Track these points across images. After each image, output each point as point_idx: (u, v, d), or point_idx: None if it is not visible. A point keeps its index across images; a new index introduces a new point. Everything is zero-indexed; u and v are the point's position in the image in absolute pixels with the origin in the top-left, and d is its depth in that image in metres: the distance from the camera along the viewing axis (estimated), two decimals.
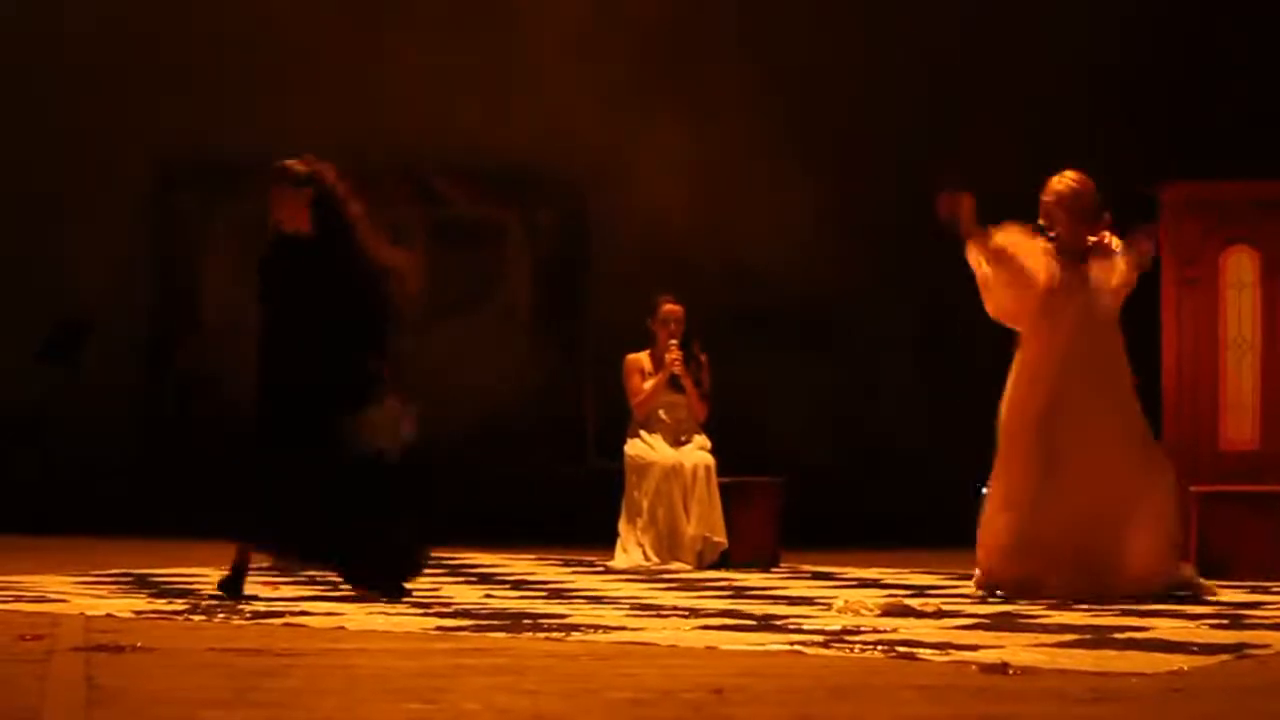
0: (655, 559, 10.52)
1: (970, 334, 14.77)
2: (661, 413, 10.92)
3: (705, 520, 10.60)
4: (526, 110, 15.08)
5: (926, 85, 14.99)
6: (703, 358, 11.03)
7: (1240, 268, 10.93)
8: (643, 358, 11.05)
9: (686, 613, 7.44)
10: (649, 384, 10.90)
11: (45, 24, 15.28)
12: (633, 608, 7.72)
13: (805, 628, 6.77)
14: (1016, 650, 5.96)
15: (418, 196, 15.47)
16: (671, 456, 10.72)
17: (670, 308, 11.01)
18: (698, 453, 10.79)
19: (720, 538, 10.61)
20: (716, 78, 15.25)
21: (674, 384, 10.92)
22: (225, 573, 8.24)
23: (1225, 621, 7.16)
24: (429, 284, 15.50)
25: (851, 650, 6.02)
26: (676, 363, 10.84)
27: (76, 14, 15.23)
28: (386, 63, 15.17)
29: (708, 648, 6.14)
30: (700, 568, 10.44)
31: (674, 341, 10.88)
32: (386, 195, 15.46)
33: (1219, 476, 10.58)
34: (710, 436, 10.99)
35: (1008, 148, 14.34)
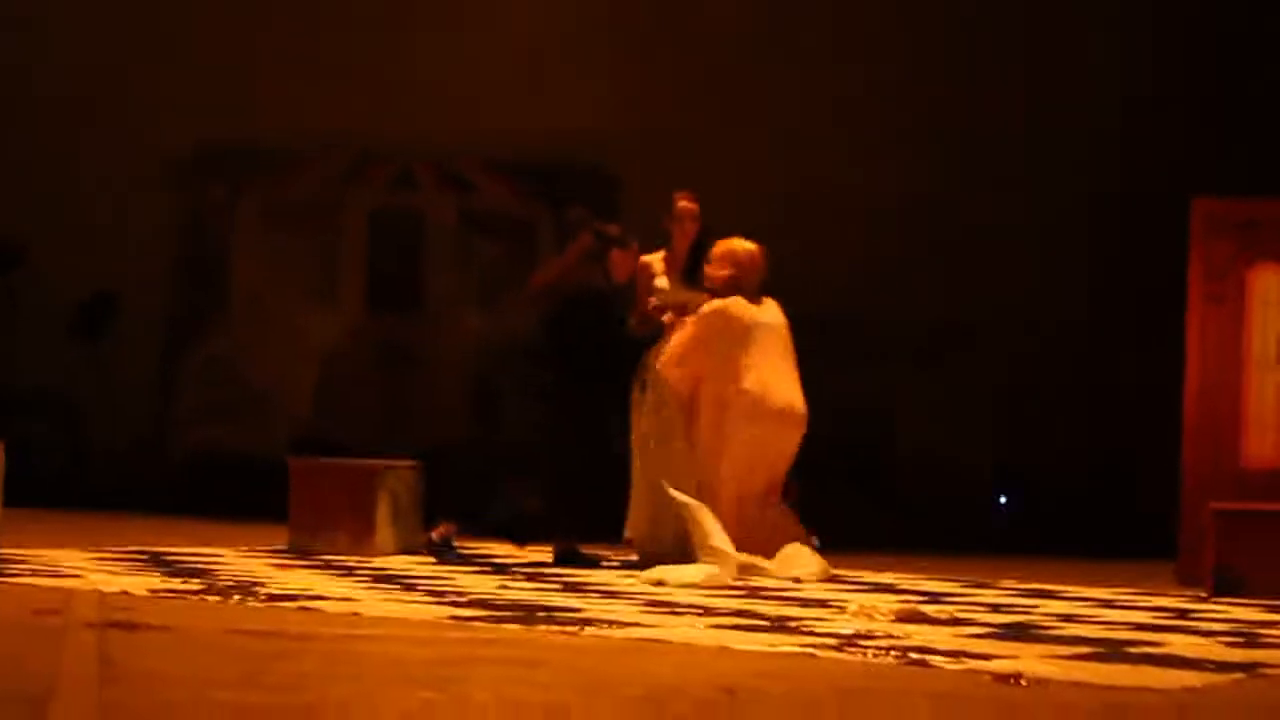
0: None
1: (988, 341, 14.84)
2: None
3: None
4: (557, 104, 15.06)
5: (962, 83, 14.94)
6: None
7: (1266, 285, 10.91)
8: (655, 259, 10.77)
9: (700, 611, 7.44)
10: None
11: (80, 4, 15.31)
12: (647, 604, 7.71)
13: (819, 630, 6.76)
14: (1030, 661, 5.95)
15: (448, 186, 15.47)
16: None
17: (685, 205, 10.60)
18: None
19: None
20: (749, 73, 15.23)
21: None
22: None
23: (1241, 640, 7.15)
24: (460, 274, 15.56)
25: (864, 655, 6.01)
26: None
27: None
28: (419, 51, 15.18)
29: (721, 647, 6.13)
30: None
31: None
32: (416, 184, 15.52)
33: (1240, 494, 10.55)
34: None
35: (1042, 156, 14.33)
